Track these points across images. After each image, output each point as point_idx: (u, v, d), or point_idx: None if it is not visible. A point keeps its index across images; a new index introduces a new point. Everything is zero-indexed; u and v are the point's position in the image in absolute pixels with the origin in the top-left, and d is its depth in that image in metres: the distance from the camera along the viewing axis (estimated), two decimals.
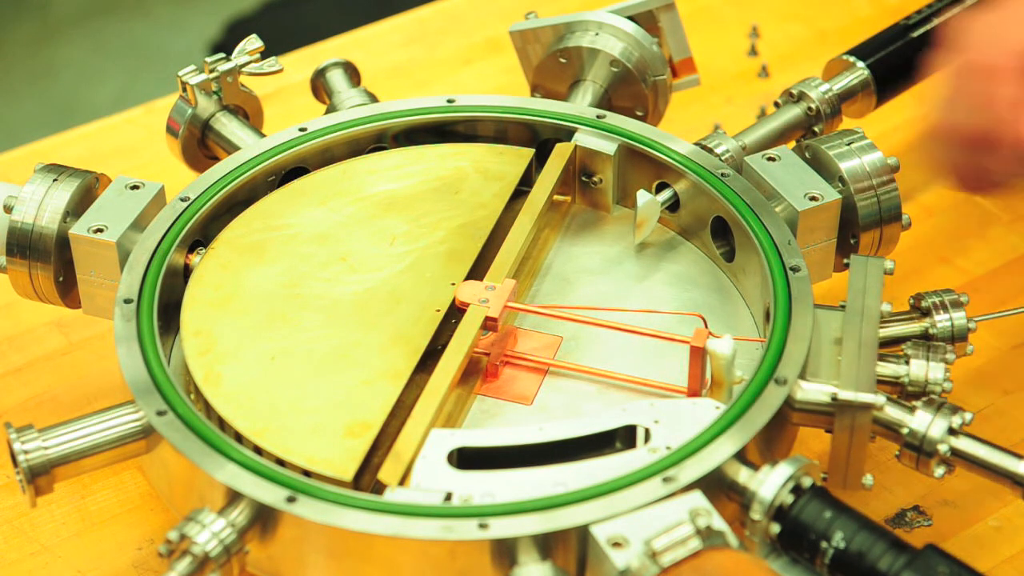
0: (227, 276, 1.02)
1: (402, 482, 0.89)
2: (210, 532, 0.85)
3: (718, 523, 0.83)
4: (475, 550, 0.84)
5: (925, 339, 0.98)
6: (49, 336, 1.13)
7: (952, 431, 0.90)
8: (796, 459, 0.87)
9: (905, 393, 0.94)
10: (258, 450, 0.91)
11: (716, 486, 0.87)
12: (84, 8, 3.00)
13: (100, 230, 1.00)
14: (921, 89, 1.22)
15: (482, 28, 1.44)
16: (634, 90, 1.15)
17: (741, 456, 0.88)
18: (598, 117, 1.10)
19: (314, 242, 1.04)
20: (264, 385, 0.95)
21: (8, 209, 1.02)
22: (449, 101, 1.13)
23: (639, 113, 1.15)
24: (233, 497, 0.87)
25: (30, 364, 1.11)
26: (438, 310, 0.99)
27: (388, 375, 0.95)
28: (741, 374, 0.93)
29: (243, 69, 1.13)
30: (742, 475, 0.88)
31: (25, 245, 1.01)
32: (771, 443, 0.91)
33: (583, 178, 1.11)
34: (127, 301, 0.97)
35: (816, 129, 1.13)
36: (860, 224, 1.04)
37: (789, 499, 0.86)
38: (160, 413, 0.91)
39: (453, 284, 1.01)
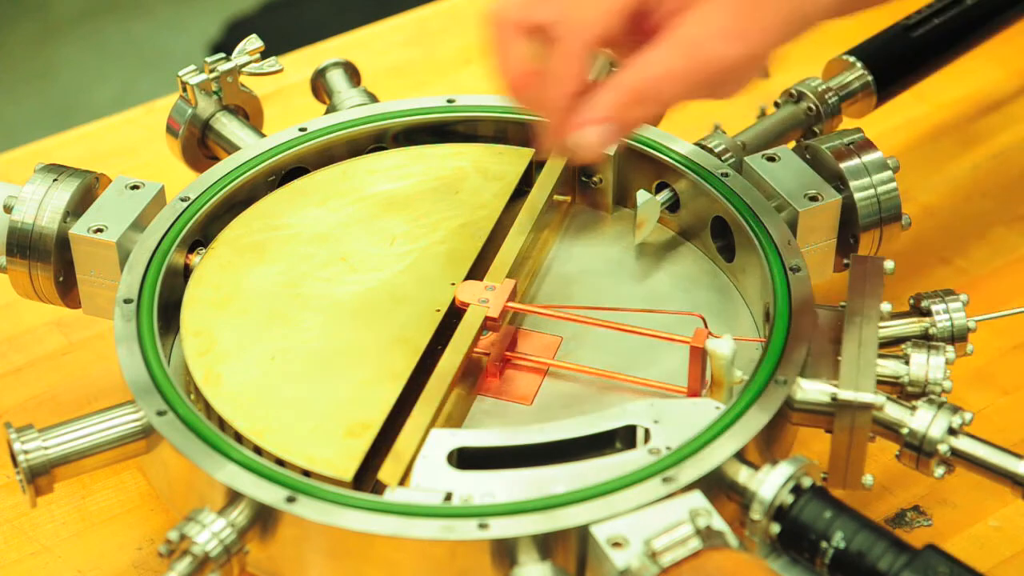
0: (227, 276, 1.02)
1: (402, 482, 0.89)
2: (210, 532, 0.85)
3: (718, 523, 0.83)
4: (475, 550, 0.84)
5: (925, 339, 0.98)
6: (49, 336, 1.13)
7: (952, 431, 0.90)
8: (796, 459, 0.87)
9: (905, 393, 0.94)
10: (258, 450, 0.91)
11: (716, 486, 0.87)
12: (84, 8, 3.00)
13: (100, 230, 1.00)
14: (921, 89, 1.22)
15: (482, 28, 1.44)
16: None
17: (741, 456, 0.88)
18: None
19: (314, 242, 1.04)
20: (264, 385, 0.95)
21: (8, 209, 1.02)
22: (449, 101, 1.13)
23: None
24: (233, 497, 0.87)
25: (30, 364, 1.11)
26: (438, 310, 0.99)
27: (388, 375, 0.95)
28: (741, 374, 0.93)
29: (243, 69, 1.13)
30: (742, 475, 0.88)
31: (25, 245, 1.01)
32: (771, 443, 0.91)
33: (583, 178, 1.11)
34: (127, 301, 0.97)
35: (816, 129, 1.13)
36: (860, 224, 1.04)
37: (789, 499, 0.86)
38: (160, 413, 0.91)
39: (453, 284, 1.01)
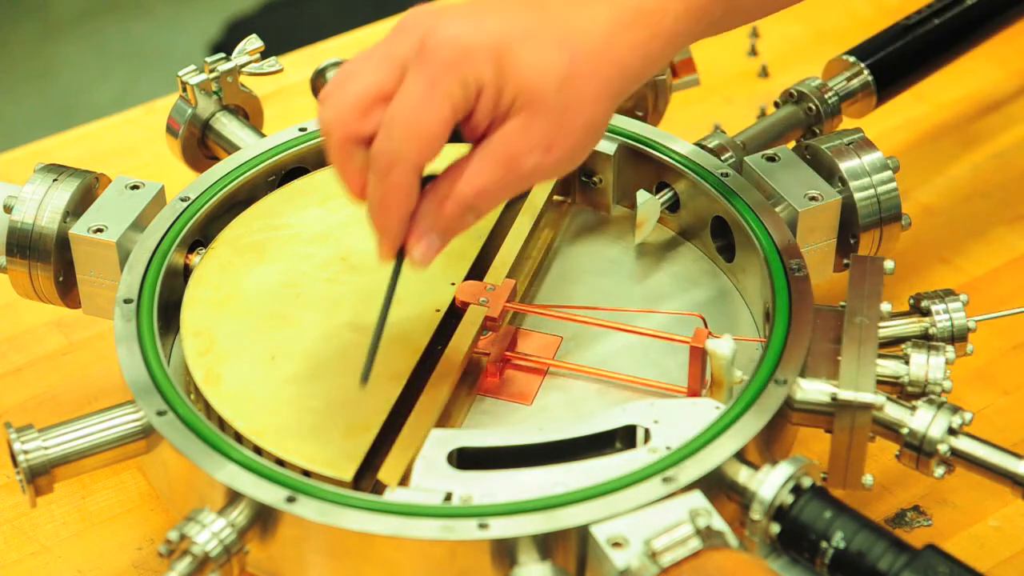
0: (227, 276, 1.02)
1: (402, 482, 0.89)
2: (210, 532, 0.85)
3: (718, 523, 0.83)
4: (475, 550, 0.84)
5: (925, 339, 0.98)
6: (49, 336, 1.13)
7: (952, 431, 0.90)
8: (796, 459, 0.87)
9: (905, 393, 0.94)
10: (258, 450, 0.91)
11: (716, 486, 0.87)
12: (84, 8, 3.00)
13: (100, 230, 1.00)
14: (921, 89, 1.22)
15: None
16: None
17: (741, 456, 0.88)
18: None
19: (314, 242, 1.04)
20: (264, 385, 0.95)
21: (8, 209, 1.02)
22: None
23: (639, 113, 1.15)
24: (233, 497, 0.87)
25: (30, 364, 1.11)
26: (438, 310, 0.99)
27: (388, 375, 0.95)
28: (741, 374, 0.93)
29: (243, 69, 1.13)
30: (742, 475, 0.88)
31: (25, 245, 1.01)
32: (771, 443, 0.91)
33: (583, 178, 1.11)
34: (127, 301, 0.97)
35: (816, 129, 1.13)
36: (860, 224, 1.04)
37: (789, 499, 0.86)
38: (160, 413, 0.91)
39: (453, 284, 1.01)
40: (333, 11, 2.69)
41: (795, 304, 0.96)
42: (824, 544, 0.85)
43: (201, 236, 1.04)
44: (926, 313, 0.99)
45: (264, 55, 1.14)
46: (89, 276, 1.02)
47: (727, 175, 1.05)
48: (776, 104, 1.15)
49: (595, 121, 0.86)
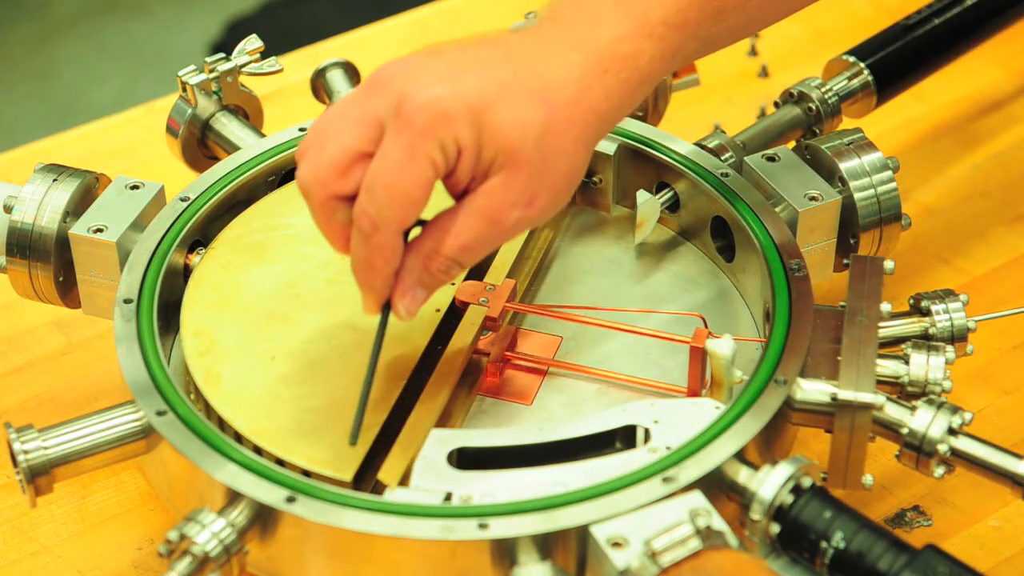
0: (227, 276, 1.02)
1: (402, 482, 0.89)
2: (210, 532, 0.85)
3: (718, 523, 0.83)
4: (475, 550, 0.84)
5: (925, 339, 0.98)
6: (49, 336, 1.13)
7: (952, 431, 0.90)
8: (796, 459, 0.87)
9: (905, 393, 0.94)
10: (258, 450, 0.91)
11: (716, 486, 0.87)
12: (84, 8, 3.00)
13: (100, 230, 1.00)
14: (921, 89, 1.22)
15: (482, 28, 1.44)
16: None
17: (741, 456, 0.88)
18: None
19: (314, 242, 1.04)
20: (264, 385, 0.95)
21: (8, 209, 1.02)
22: None
23: (639, 113, 1.15)
24: (233, 497, 0.87)
25: (30, 364, 1.11)
26: (438, 310, 0.99)
27: (388, 375, 0.95)
28: (741, 374, 0.93)
29: (243, 69, 1.13)
30: (742, 475, 0.88)
31: (25, 245, 1.01)
32: (771, 443, 0.91)
33: (583, 178, 1.10)
34: (127, 301, 0.97)
35: (816, 129, 1.13)
36: (860, 224, 1.04)
37: (789, 499, 0.86)
38: (160, 413, 0.91)
39: (453, 284, 1.01)
40: (333, 11, 2.69)
41: (795, 304, 0.96)
42: (824, 544, 0.85)
43: (201, 236, 1.04)
44: (926, 313, 0.99)
45: (264, 55, 1.14)
46: (89, 276, 1.02)
47: (727, 175, 1.05)
48: (776, 104, 1.15)
49: (573, 169, 0.87)
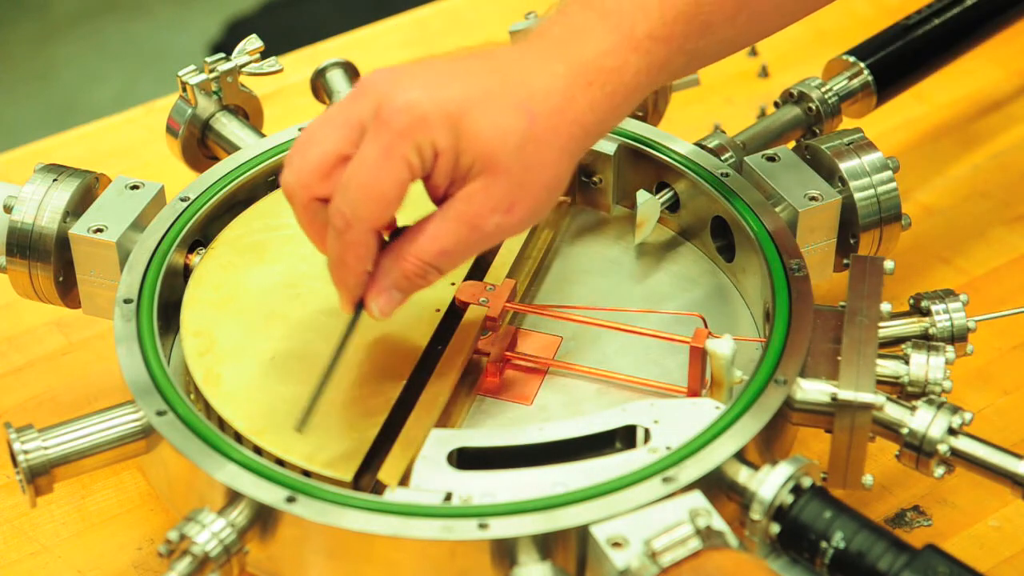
0: (227, 276, 1.02)
1: (402, 482, 0.89)
2: (210, 532, 0.85)
3: (718, 523, 0.83)
4: (475, 550, 0.84)
5: (925, 339, 0.98)
6: (49, 336, 1.13)
7: (952, 431, 0.90)
8: (796, 459, 0.87)
9: (905, 393, 0.94)
10: (258, 450, 0.91)
11: (716, 486, 0.87)
12: (84, 8, 3.00)
13: (100, 230, 1.00)
14: (921, 89, 1.22)
15: (482, 28, 1.44)
16: None
17: (741, 456, 0.88)
18: None
19: None
20: (264, 385, 0.95)
21: (8, 209, 1.02)
22: None
23: (639, 113, 1.15)
24: (233, 497, 0.87)
25: (30, 364, 1.11)
26: (438, 310, 0.99)
27: (388, 375, 0.95)
28: (741, 374, 0.93)
29: (243, 69, 1.13)
30: (742, 475, 0.88)
31: (25, 245, 1.01)
32: (771, 443, 0.91)
33: (583, 178, 1.11)
34: (127, 301, 0.97)
35: (816, 129, 1.13)
36: (860, 224, 1.04)
37: (789, 499, 0.86)
38: (160, 413, 0.91)
39: (453, 284, 1.01)
40: (333, 11, 2.69)
41: (795, 304, 0.96)
42: (824, 544, 0.85)
43: (201, 236, 1.04)
44: (926, 313, 0.99)
45: (264, 55, 1.14)
46: (89, 276, 1.02)
47: (727, 175, 1.05)
48: (776, 104, 1.15)
49: (556, 179, 0.87)
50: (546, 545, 0.84)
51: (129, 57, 2.89)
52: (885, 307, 0.95)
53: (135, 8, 3.00)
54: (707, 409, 0.91)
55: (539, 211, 0.88)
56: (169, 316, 1.00)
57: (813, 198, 1.03)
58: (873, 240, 1.05)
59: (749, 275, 1.03)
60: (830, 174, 1.04)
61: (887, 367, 0.94)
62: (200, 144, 1.13)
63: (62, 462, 0.90)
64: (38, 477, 0.89)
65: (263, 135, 1.12)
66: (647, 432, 0.90)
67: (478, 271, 1.02)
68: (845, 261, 1.04)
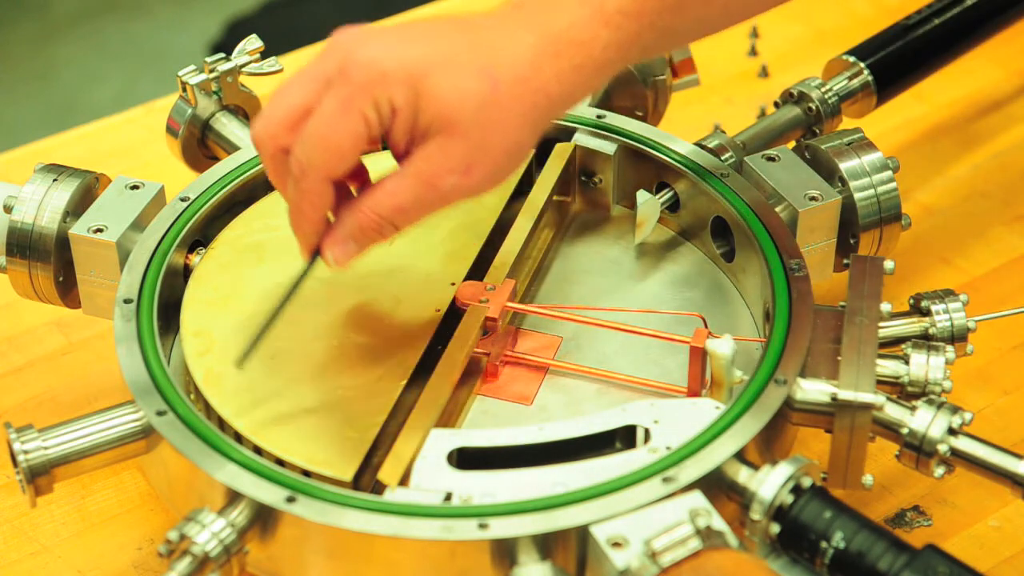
0: (227, 276, 1.02)
1: (402, 482, 0.89)
2: (210, 532, 0.85)
3: (718, 523, 0.83)
4: (475, 550, 0.84)
5: (925, 339, 0.98)
6: (49, 336, 1.13)
7: (952, 431, 0.90)
8: (796, 459, 0.87)
9: (905, 393, 0.94)
10: (258, 450, 0.91)
11: (716, 486, 0.87)
12: (84, 8, 3.00)
13: (100, 230, 1.00)
14: (921, 89, 1.22)
15: None
16: (634, 90, 1.15)
17: (741, 456, 0.88)
18: (598, 117, 1.10)
19: None
20: (264, 385, 0.95)
21: (8, 209, 1.02)
22: None
23: (639, 113, 1.15)
24: (233, 497, 0.87)
25: (30, 364, 1.11)
26: (438, 310, 0.99)
27: (388, 375, 0.95)
28: (741, 374, 0.93)
29: (243, 69, 1.13)
30: (742, 475, 0.88)
31: (25, 245, 1.01)
32: (771, 443, 0.91)
33: (583, 178, 1.11)
34: (127, 301, 0.97)
35: (816, 129, 1.13)
36: (860, 224, 1.04)
37: (789, 499, 0.86)
38: (160, 413, 0.91)
39: (453, 284, 1.01)
40: (333, 11, 2.69)
41: (795, 304, 0.96)
42: (824, 544, 0.85)
43: (201, 236, 1.04)
44: (926, 313, 0.99)
45: (264, 55, 1.14)
46: (89, 276, 1.02)
47: (727, 175, 1.05)
48: (776, 104, 1.15)
49: (517, 145, 0.88)
50: (546, 545, 0.84)
51: (129, 57, 2.89)
52: (885, 307, 0.95)
53: (135, 8, 3.00)
54: (707, 409, 0.91)
55: (498, 175, 0.89)
56: (169, 316, 1.00)
57: (813, 198, 1.03)
58: (873, 240, 1.05)
59: (749, 275, 1.03)
60: (830, 174, 1.04)
61: (887, 367, 0.94)
62: (200, 144, 1.13)
63: (62, 462, 0.90)
64: (38, 477, 0.89)
65: None
66: (647, 432, 0.90)
67: (478, 271, 1.02)
68: (845, 261, 1.04)
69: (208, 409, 0.94)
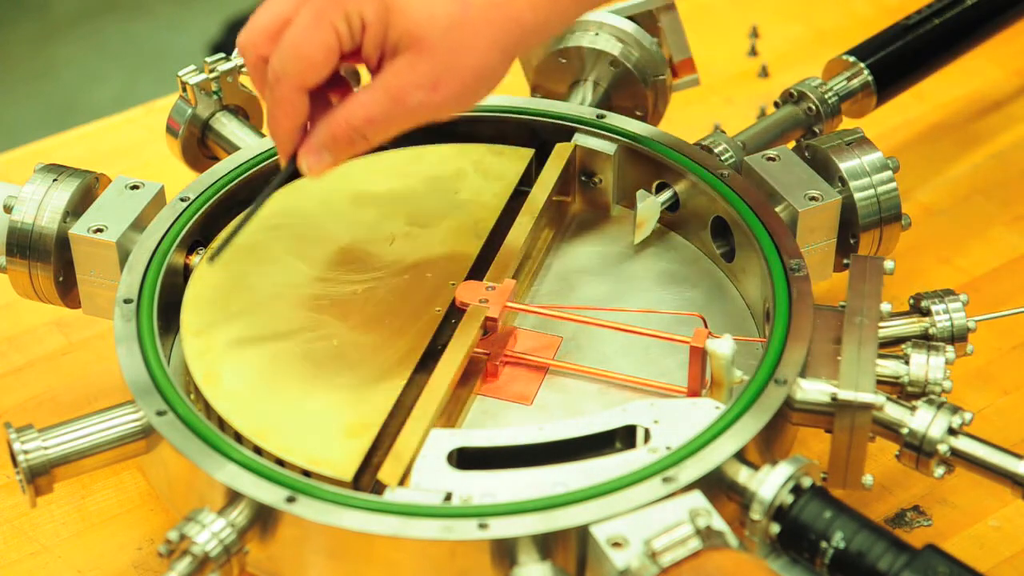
0: (227, 276, 1.01)
1: (402, 482, 0.89)
2: (210, 532, 0.85)
3: (718, 523, 0.83)
4: (475, 550, 0.84)
5: (925, 339, 0.98)
6: (49, 336, 1.13)
7: (952, 431, 0.90)
8: (796, 459, 0.87)
9: (905, 393, 0.94)
10: (258, 450, 0.91)
11: (716, 486, 0.87)
12: (84, 8, 3.00)
13: (100, 230, 1.00)
14: (921, 89, 1.22)
15: None
16: (634, 90, 1.15)
17: (741, 456, 0.88)
18: (598, 117, 1.10)
19: (314, 242, 1.04)
20: (264, 385, 0.95)
21: (8, 209, 1.02)
22: None
23: (639, 113, 1.15)
24: (233, 497, 0.87)
25: (30, 364, 1.11)
26: (438, 310, 0.99)
27: (388, 375, 0.95)
28: (741, 374, 0.93)
29: (243, 69, 1.13)
30: (742, 475, 0.88)
31: (25, 245, 1.01)
32: (771, 443, 0.91)
33: (583, 178, 1.11)
34: (127, 301, 0.97)
35: (816, 129, 1.13)
36: (860, 224, 1.04)
37: (789, 499, 0.86)
38: (160, 413, 0.91)
39: (453, 284, 1.01)
40: None
41: (795, 304, 0.96)
42: (824, 544, 0.85)
43: (201, 236, 1.04)
44: (926, 313, 0.99)
45: None
46: (89, 276, 1.02)
47: (727, 175, 1.05)
48: (776, 104, 1.15)
49: (485, 68, 0.90)
50: (546, 545, 0.84)
51: (129, 57, 2.89)
52: (885, 307, 0.95)
53: (135, 8, 3.00)
54: (707, 409, 0.91)
55: (465, 96, 0.91)
56: (169, 316, 1.00)
57: (813, 198, 1.03)
58: (873, 240, 1.05)
59: (749, 275, 1.03)
60: (830, 174, 1.04)
61: (887, 367, 0.94)
62: (200, 144, 1.13)
63: (62, 462, 0.90)
64: (38, 477, 0.89)
65: (263, 135, 1.12)
66: (647, 432, 0.90)
67: (478, 271, 1.02)
68: (845, 261, 1.04)
69: (208, 409, 0.94)
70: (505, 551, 0.84)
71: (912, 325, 0.99)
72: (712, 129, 1.17)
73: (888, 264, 0.98)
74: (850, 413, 0.90)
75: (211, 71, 1.12)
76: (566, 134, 1.10)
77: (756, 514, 0.86)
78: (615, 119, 1.10)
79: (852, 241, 1.05)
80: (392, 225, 1.05)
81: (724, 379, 0.93)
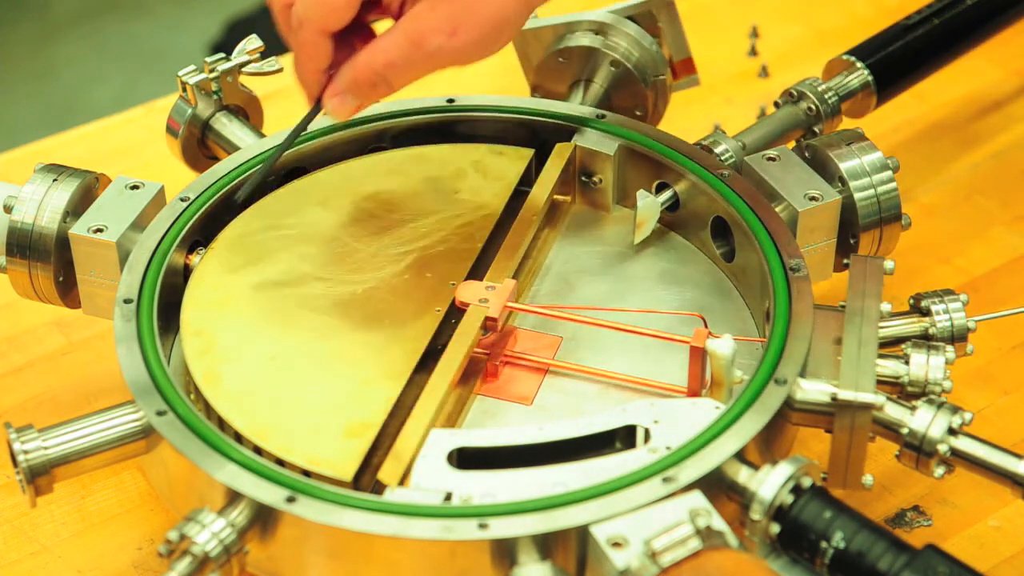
0: (227, 276, 1.02)
1: (402, 482, 0.89)
2: (210, 532, 0.85)
3: (718, 523, 0.83)
4: (475, 550, 0.84)
5: (925, 339, 0.98)
6: (49, 336, 1.13)
7: (952, 431, 0.90)
8: (796, 459, 0.87)
9: (905, 393, 0.94)
10: (258, 450, 0.91)
11: (716, 486, 0.87)
12: (84, 8, 3.00)
13: (100, 230, 1.00)
14: (921, 89, 1.22)
15: None
16: (634, 90, 1.15)
17: (741, 456, 0.88)
18: (598, 117, 1.10)
19: (314, 242, 1.04)
20: (264, 385, 0.95)
21: (8, 209, 1.02)
22: (449, 101, 1.13)
23: (639, 113, 1.15)
24: (233, 497, 0.87)
25: (30, 364, 1.11)
26: (438, 310, 0.99)
27: (388, 375, 0.95)
28: (741, 374, 0.93)
29: (243, 69, 1.13)
30: (742, 475, 0.88)
31: (25, 245, 1.01)
32: (771, 443, 0.91)
33: (583, 178, 1.11)
34: (127, 301, 0.97)
35: (816, 129, 1.13)
36: (860, 224, 1.04)
37: (789, 499, 0.86)
38: (160, 413, 0.91)
39: (453, 284, 1.01)
40: None
41: (795, 304, 0.96)
42: (824, 544, 0.85)
43: (201, 236, 1.04)
44: (926, 313, 0.99)
45: (264, 55, 1.14)
46: (89, 276, 1.02)
47: (727, 175, 1.05)
48: (776, 104, 1.15)
49: (503, 16, 0.93)
50: (546, 545, 0.84)
51: (129, 57, 2.89)
52: (885, 307, 0.95)
53: (135, 8, 3.00)
54: (707, 409, 0.91)
55: (483, 44, 0.93)
56: (169, 316, 1.00)
57: (813, 198, 1.03)
58: (873, 240, 1.05)
59: (749, 275, 1.03)
60: (830, 174, 1.04)
61: (887, 367, 0.94)
62: (200, 144, 1.13)
63: (62, 462, 0.90)
64: (38, 477, 0.89)
65: (263, 135, 1.12)
66: (647, 432, 0.90)
67: (478, 271, 1.02)
68: (845, 261, 1.04)
69: (208, 409, 0.94)
70: (505, 551, 0.84)
71: (912, 325, 0.99)
72: (712, 129, 1.17)
73: (888, 264, 0.98)
74: (850, 413, 0.90)
75: (211, 71, 1.12)
76: (566, 134, 1.10)
77: (756, 514, 0.86)
78: (615, 119, 1.10)
79: (852, 241, 1.05)
80: (392, 225, 1.05)
81: (724, 379, 0.93)
